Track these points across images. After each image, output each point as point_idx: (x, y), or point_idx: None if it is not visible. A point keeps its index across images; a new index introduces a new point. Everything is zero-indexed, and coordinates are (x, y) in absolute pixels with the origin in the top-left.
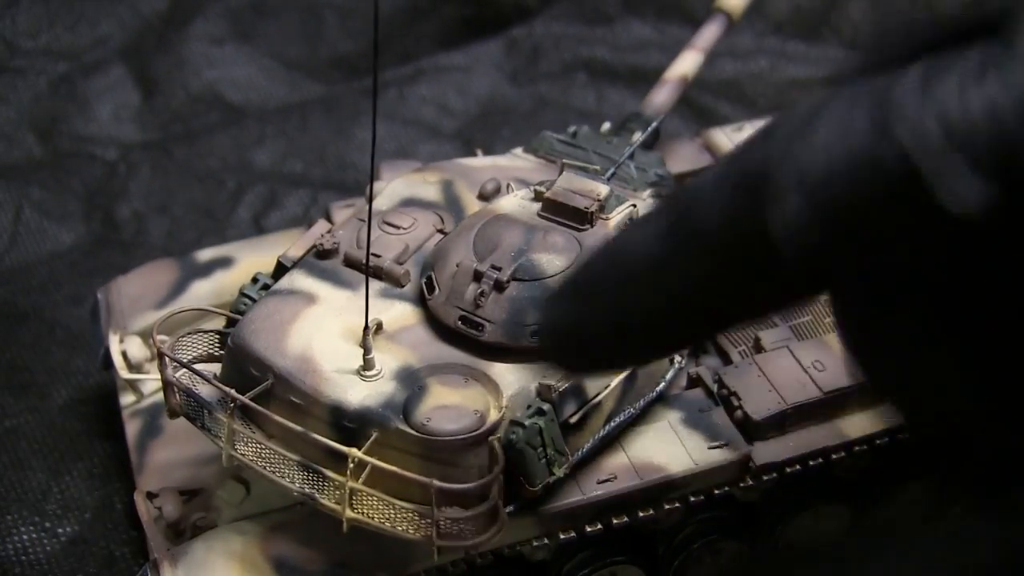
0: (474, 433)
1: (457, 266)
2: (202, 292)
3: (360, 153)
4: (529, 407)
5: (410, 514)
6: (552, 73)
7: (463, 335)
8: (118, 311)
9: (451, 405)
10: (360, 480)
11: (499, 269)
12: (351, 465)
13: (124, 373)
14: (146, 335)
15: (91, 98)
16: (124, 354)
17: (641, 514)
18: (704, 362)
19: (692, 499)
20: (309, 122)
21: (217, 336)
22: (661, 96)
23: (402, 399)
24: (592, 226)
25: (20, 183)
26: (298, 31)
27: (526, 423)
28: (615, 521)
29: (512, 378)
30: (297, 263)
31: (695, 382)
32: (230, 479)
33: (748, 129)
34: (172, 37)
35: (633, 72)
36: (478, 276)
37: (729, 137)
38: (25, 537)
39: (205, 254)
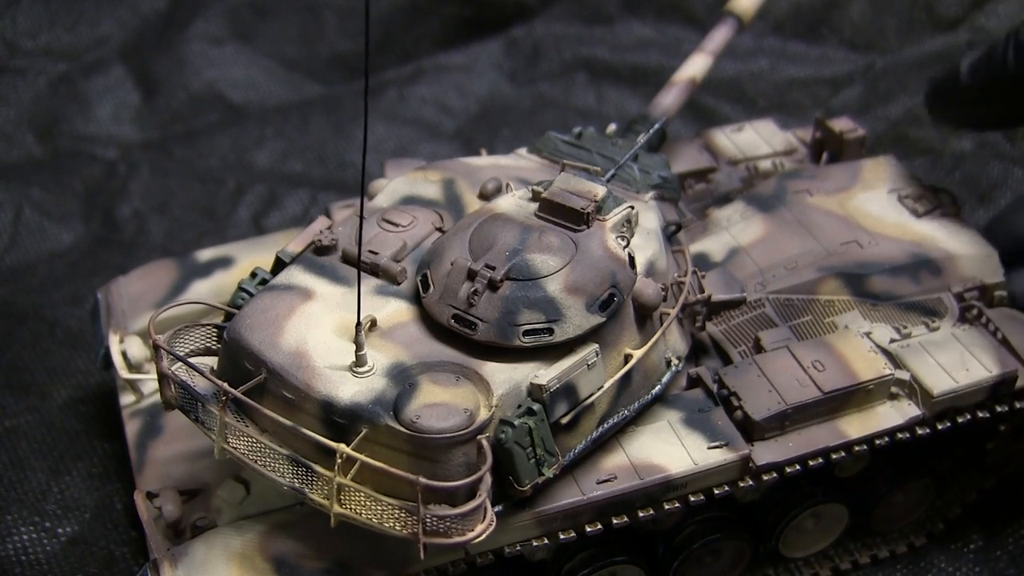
0: (462, 431)
1: (452, 264)
2: (202, 292)
3: (360, 153)
4: (519, 407)
5: (397, 511)
6: (552, 73)
7: (456, 333)
8: (118, 311)
9: (441, 403)
10: (349, 476)
11: (493, 268)
12: (339, 461)
13: (124, 373)
14: (146, 335)
15: (91, 98)
16: (124, 354)
17: (641, 514)
18: (704, 362)
19: (692, 499)
20: (309, 122)
21: (215, 330)
22: (669, 98)
23: (393, 396)
24: (588, 227)
25: (20, 183)
26: (298, 31)
27: (515, 423)
28: (615, 521)
29: (503, 377)
30: (295, 259)
31: (695, 382)
32: (230, 479)
33: (748, 129)
34: (172, 37)
35: (633, 72)
36: (472, 275)
37: (729, 137)
38: (25, 537)
39: (205, 254)
